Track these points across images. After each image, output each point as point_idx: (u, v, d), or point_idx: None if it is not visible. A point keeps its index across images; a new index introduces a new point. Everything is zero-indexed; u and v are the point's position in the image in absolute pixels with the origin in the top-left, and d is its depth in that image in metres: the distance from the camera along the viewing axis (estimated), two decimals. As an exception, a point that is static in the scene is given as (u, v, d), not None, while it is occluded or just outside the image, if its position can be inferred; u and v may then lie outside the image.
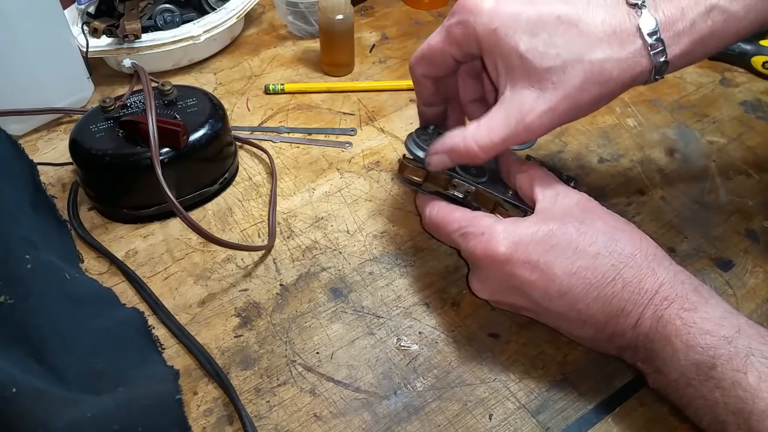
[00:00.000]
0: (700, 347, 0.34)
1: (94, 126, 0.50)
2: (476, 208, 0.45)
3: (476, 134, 0.41)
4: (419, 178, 0.46)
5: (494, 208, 0.45)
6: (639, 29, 0.37)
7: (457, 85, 0.47)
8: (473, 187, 0.44)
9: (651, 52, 0.37)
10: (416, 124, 0.61)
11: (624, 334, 0.38)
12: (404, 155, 0.47)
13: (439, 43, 0.42)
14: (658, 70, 0.38)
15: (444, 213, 0.43)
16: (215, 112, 0.52)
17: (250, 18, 0.75)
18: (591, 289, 0.37)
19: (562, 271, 0.38)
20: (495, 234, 0.39)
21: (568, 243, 0.38)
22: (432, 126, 0.47)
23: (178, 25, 0.66)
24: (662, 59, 0.37)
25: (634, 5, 0.38)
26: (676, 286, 0.37)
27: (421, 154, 0.45)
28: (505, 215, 0.43)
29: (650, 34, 0.37)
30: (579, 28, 0.37)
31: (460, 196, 0.45)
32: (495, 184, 0.45)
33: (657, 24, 0.37)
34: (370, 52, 0.71)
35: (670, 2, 0.37)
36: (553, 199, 0.41)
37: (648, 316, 0.37)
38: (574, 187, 0.43)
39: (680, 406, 0.37)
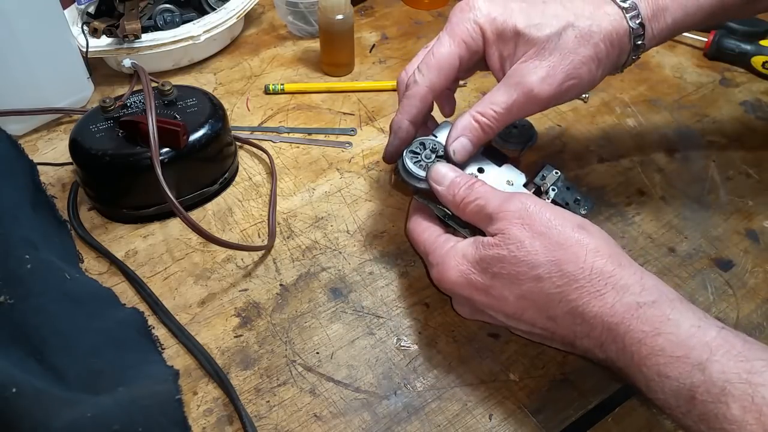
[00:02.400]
0: (675, 377, 0.32)
1: (94, 126, 0.50)
2: (463, 223, 0.43)
3: (480, 108, 0.43)
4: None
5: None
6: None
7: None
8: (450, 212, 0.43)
9: (627, 15, 0.42)
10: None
11: (594, 354, 0.36)
12: (396, 170, 0.46)
13: (447, 46, 0.43)
14: (636, 35, 0.42)
15: (416, 233, 0.44)
16: (215, 112, 0.52)
17: (250, 18, 0.75)
18: (542, 311, 0.37)
19: (512, 295, 0.38)
20: (446, 265, 0.40)
21: (509, 270, 0.37)
22: (426, 142, 0.46)
23: (178, 25, 0.66)
24: (638, 22, 0.42)
25: None
26: (629, 307, 0.34)
27: (416, 171, 0.44)
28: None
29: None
30: (563, 5, 0.42)
31: (442, 215, 0.44)
32: None
33: None
34: (370, 52, 0.71)
35: None
36: (492, 223, 0.39)
37: (609, 341, 0.35)
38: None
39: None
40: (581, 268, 0.35)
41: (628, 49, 0.43)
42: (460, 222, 0.43)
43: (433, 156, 0.45)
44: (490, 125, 0.43)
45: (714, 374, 0.31)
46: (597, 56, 0.42)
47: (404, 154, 0.45)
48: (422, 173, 0.44)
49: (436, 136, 0.46)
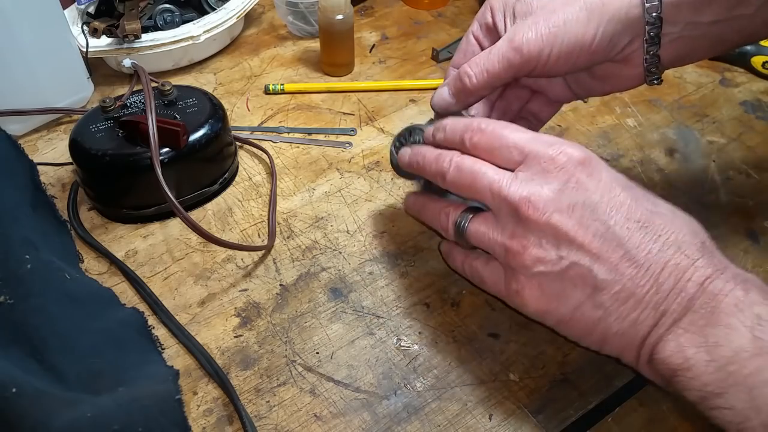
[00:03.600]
0: (742, 305, 0.31)
1: (94, 126, 0.50)
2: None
3: (470, 62, 0.42)
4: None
5: None
6: None
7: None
8: None
9: None
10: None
11: (676, 284, 0.33)
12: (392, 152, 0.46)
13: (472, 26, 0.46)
14: (650, 13, 0.39)
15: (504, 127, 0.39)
16: (215, 112, 0.52)
17: (250, 18, 0.75)
18: (650, 227, 0.34)
19: (629, 197, 0.35)
20: (563, 142, 0.37)
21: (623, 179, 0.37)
22: (413, 130, 0.46)
23: (178, 25, 0.66)
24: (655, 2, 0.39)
25: None
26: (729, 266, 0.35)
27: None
28: None
29: None
30: None
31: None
32: None
33: None
34: (370, 52, 0.71)
35: None
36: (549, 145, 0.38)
37: (705, 275, 0.33)
38: None
39: (713, 390, 0.31)
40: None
41: (637, 22, 0.40)
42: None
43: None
44: (471, 76, 0.42)
45: None
46: (586, 6, 0.40)
47: (393, 142, 0.46)
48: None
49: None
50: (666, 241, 0.34)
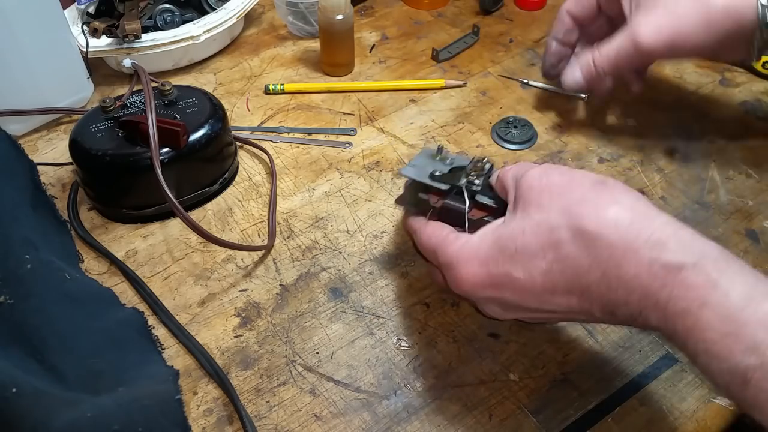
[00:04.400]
0: (724, 356, 0.28)
1: (94, 126, 0.50)
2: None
3: (594, 51, 0.52)
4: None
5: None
6: None
7: (582, 42, 0.58)
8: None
9: None
10: (416, 124, 0.61)
11: (635, 320, 0.32)
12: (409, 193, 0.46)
13: None
14: (764, 18, 0.43)
15: (425, 234, 0.41)
16: (215, 112, 0.52)
17: (250, 18, 0.75)
18: (573, 283, 0.33)
19: (538, 274, 0.34)
20: (458, 268, 0.37)
21: (523, 245, 0.34)
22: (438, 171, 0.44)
23: (178, 25, 0.66)
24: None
25: None
26: (669, 269, 0.30)
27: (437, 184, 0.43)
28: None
29: None
30: None
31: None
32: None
33: None
34: (370, 52, 0.71)
35: None
36: (509, 195, 0.38)
37: (650, 307, 0.31)
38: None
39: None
40: (605, 225, 0.32)
41: (752, 29, 0.44)
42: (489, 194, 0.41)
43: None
44: (599, 64, 0.52)
45: None
46: (708, 21, 0.44)
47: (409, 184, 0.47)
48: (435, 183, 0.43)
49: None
50: (582, 289, 0.34)
